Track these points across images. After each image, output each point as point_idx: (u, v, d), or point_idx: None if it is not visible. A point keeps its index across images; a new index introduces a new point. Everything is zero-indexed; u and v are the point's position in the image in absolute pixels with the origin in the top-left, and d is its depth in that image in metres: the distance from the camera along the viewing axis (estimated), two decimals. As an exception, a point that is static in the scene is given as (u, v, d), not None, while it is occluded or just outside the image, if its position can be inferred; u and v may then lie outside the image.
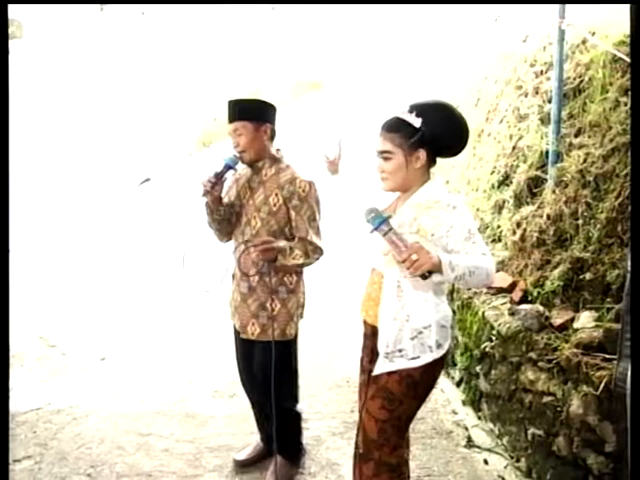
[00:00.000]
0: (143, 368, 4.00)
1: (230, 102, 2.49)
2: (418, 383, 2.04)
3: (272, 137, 2.54)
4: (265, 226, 2.48)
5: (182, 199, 7.10)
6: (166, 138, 10.39)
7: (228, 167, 2.45)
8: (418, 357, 2.00)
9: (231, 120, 2.46)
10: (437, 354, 2.02)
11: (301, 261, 2.43)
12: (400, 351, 2.00)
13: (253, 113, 2.47)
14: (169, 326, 4.65)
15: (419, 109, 1.96)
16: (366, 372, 2.19)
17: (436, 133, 1.94)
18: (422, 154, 1.97)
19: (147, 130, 10.42)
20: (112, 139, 10.33)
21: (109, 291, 5.46)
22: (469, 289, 1.97)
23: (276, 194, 2.46)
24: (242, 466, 2.83)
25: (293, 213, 2.47)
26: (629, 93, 2.93)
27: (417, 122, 1.94)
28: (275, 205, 2.46)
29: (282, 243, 2.40)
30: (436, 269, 1.76)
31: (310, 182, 2.48)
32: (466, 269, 1.81)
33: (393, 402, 2.03)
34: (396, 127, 1.97)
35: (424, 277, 1.78)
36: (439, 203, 1.94)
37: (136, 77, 11.02)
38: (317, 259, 2.49)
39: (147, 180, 9.87)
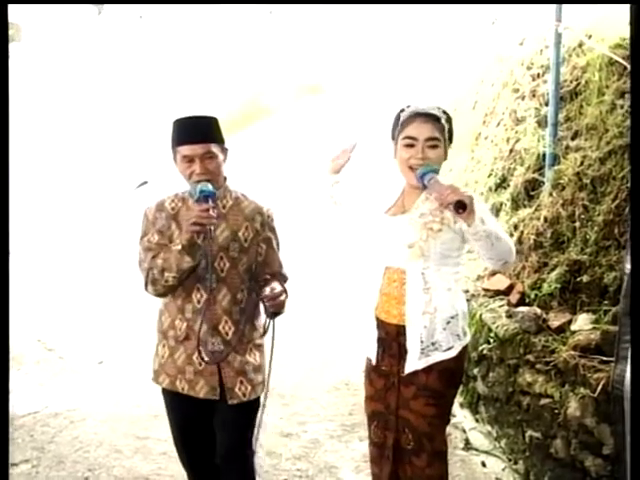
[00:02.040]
0: (140, 371, 3.98)
1: (194, 118, 2.13)
2: (455, 372, 2.09)
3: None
4: (236, 266, 2.09)
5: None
6: (164, 141, 10.35)
7: (210, 197, 1.97)
8: (452, 347, 2.04)
9: (197, 141, 2.03)
10: (465, 341, 2.09)
11: (285, 301, 2.09)
12: (434, 344, 2.02)
13: (220, 134, 2.13)
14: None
15: (441, 108, 2.06)
16: (386, 376, 2.12)
17: (451, 131, 2.07)
18: (448, 149, 2.07)
19: (144, 133, 10.41)
20: (109, 142, 10.33)
21: (107, 295, 5.45)
22: (492, 259, 1.95)
23: (246, 227, 2.12)
24: None
25: (264, 246, 2.16)
26: (625, 96, 2.94)
27: (444, 116, 2.04)
28: (247, 240, 2.12)
29: (279, 288, 2.06)
30: (470, 204, 1.77)
31: (273, 211, 2.24)
32: (494, 230, 1.87)
33: (437, 398, 2.05)
34: (444, 118, 2.04)
35: (458, 209, 1.77)
36: None
37: (134, 80, 11.02)
38: None
39: (144, 183, 9.86)
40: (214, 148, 2.06)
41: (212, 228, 2.01)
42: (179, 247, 1.98)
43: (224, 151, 2.13)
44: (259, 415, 2.20)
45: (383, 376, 2.14)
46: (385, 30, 8.43)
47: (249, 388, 2.12)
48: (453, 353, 2.04)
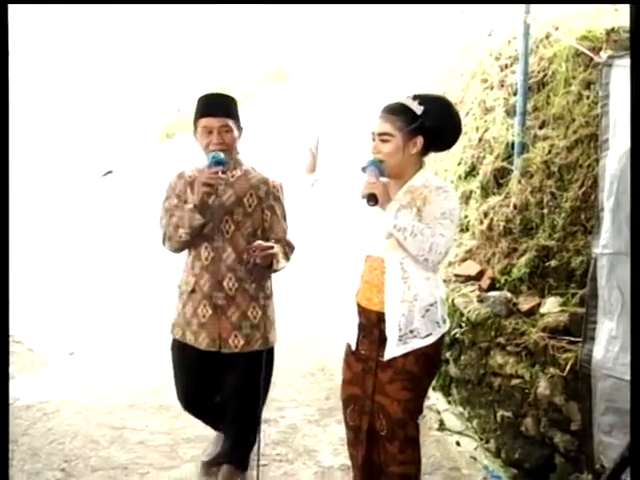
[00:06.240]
0: (114, 361, 3.95)
1: (216, 95, 2.47)
2: (433, 358, 2.15)
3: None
4: (240, 229, 2.36)
5: (145, 192, 7.01)
6: (129, 130, 10.19)
7: (221, 164, 2.25)
8: (430, 334, 2.10)
9: (216, 114, 2.32)
10: (444, 328, 2.15)
11: (284, 264, 2.37)
12: (412, 332, 2.07)
13: (237, 112, 2.41)
14: (138, 318, 4.60)
15: (422, 98, 2.08)
16: (364, 360, 2.18)
17: (435, 124, 2.06)
18: (419, 141, 2.07)
19: (109, 121, 10.20)
20: (74, 131, 10.09)
21: (75, 284, 5.37)
22: (412, 253, 2.04)
23: (251, 194, 2.38)
24: (210, 466, 2.75)
25: (268, 213, 2.41)
26: (591, 86, 3.03)
27: (419, 109, 2.05)
28: (251, 206, 2.38)
29: (276, 247, 2.29)
30: (383, 200, 1.99)
31: (281, 182, 2.48)
32: (410, 226, 1.96)
33: (413, 382, 2.11)
34: (399, 111, 2.06)
35: (369, 201, 2.01)
36: (433, 187, 2.06)
37: (98, 68, 10.78)
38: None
39: (109, 172, 9.68)
40: (231, 123, 2.33)
41: (219, 188, 2.27)
42: (191, 206, 2.25)
43: (239, 128, 2.39)
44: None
45: (362, 360, 2.20)
46: (353, 18, 8.43)
47: (242, 342, 2.37)
48: (432, 340, 2.10)
